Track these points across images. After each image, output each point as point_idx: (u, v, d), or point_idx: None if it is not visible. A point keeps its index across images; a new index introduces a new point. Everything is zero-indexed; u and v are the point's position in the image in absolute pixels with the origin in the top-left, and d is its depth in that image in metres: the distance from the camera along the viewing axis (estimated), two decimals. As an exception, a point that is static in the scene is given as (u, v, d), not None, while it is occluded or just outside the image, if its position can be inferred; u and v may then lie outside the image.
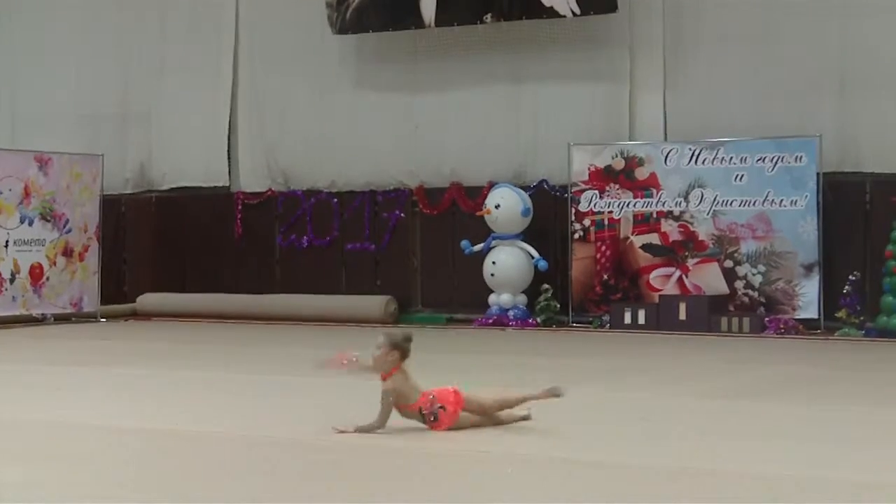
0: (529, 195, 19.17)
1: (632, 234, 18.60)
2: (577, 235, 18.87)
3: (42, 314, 19.51)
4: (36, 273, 19.48)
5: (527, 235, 19.10)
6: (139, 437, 8.81)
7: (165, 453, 8.25)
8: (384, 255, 20.56)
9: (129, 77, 22.59)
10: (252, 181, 21.75)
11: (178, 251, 22.08)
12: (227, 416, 9.81)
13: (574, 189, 18.91)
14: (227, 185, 21.85)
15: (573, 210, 18.89)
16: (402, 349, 8.68)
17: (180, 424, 9.30)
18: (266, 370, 13.22)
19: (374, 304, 19.68)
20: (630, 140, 19.01)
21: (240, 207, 21.58)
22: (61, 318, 19.71)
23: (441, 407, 8.64)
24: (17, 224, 19.28)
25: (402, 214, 20.45)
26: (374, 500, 6.79)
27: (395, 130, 20.57)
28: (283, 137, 21.48)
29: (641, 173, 18.58)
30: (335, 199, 20.89)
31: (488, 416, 8.87)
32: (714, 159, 18.16)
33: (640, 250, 18.53)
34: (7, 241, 19.14)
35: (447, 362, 13.96)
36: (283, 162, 21.46)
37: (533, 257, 18.92)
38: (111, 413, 9.95)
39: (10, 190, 19.21)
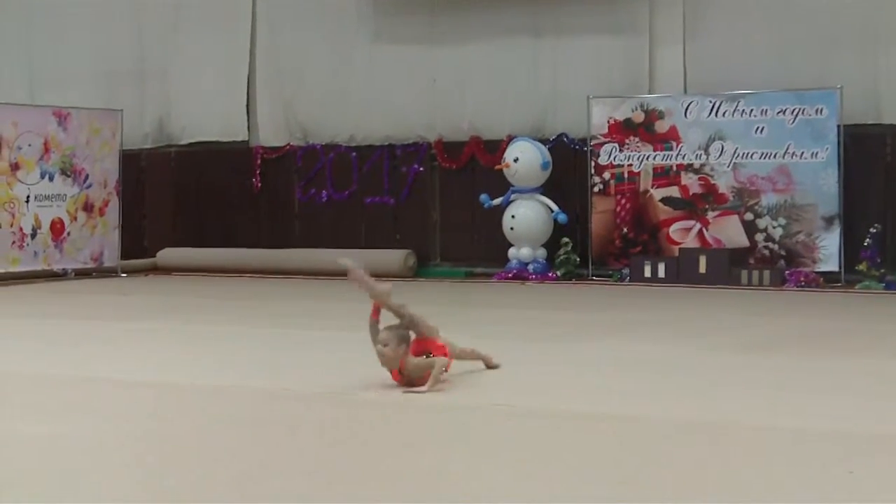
0: (549, 148, 19.14)
1: (651, 188, 18.57)
2: (596, 189, 18.84)
3: (63, 269, 19.58)
4: (57, 228, 19.54)
5: (546, 189, 19.08)
6: (159, 390, 8.84)
7: (184, 407, 8.28)
8: (403, 209, 20.56)
9: (148, 32, 22.56)
10: (271, 135, 21.75)
11: (198, 206, 22.11)
12: (247, 369, 9.84)
13: (593, 142, 18.87)
14: (246, 139, 21.86)
15: (593, 163, 18.85)
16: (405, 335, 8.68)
17: (200, 378, 9.34)
18: (286, 324, 13.25)
19: (394, 257, 19.70)
20: (650, 93, 18.94)
21: (259, 162, 21.59)
22: (82, 273, 19.79)
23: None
24: (37, 179, 19.32)
25: (421, 168, 20.44)
26: (399, 455, 6.81)
27: (413, 84, 20.53)
28: (301, 91, 21.46)
29: (661, 126, 18.52)
30: (354, 153, 20.89)
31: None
32: (734, 112, 18.10)
33: (660, 203, 18.50)
34: (28, 197, 19.20)
35: (465, 316, 13.99)
36: (301, 116, 21.45)
37: (552, 211, 18.91)
38: (131, 367, 9.98)
39: (30, 145, 19.24)
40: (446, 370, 8.78)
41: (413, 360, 8.64)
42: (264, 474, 6.23)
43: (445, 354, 8.79)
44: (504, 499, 5.77)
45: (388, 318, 8.82)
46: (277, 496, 5.81)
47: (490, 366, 9.51)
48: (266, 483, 6.06)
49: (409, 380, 8.64)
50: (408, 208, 20.51)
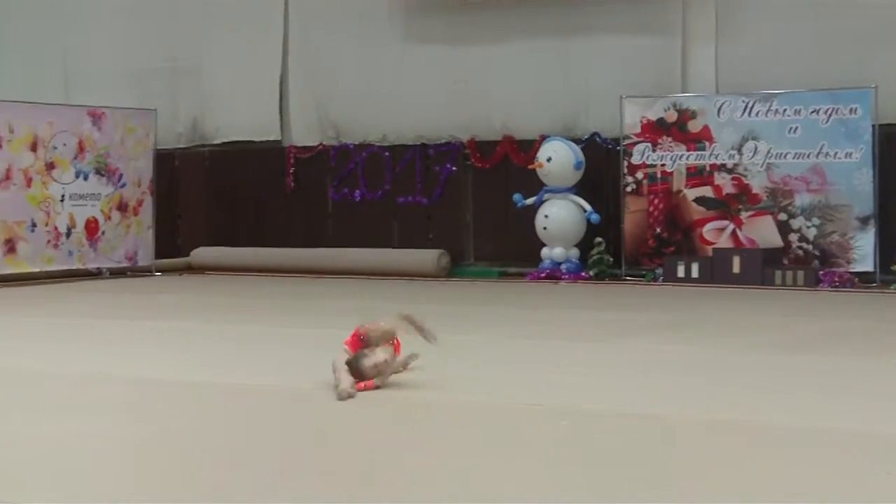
0: (581, 148, 19.11)
1: (685, 187, 18.52)
2: (629, 188, 18.81)
3: (98, 268, 19.69)
4: (91, 227, 19.64)
5: (579, 188, 19.06)
6: (189, 389, 8.87)
7: (213, 406, 8.31)
8: (436, 209, 20.57)
9: (182, 31, 22.65)
10: (304, 135, 21.80)
11: (231, 205, 22.18)
12: (278, 369, 9.86)
13: (626, 142, 18.84)
14: (279, 139, 21.91)
15: (626, 163, 18.82)
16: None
17: (231, 377, 9.36)
18: (318, 324, 13.28)
19: (427, 257, 19.72)
20: (682, 92, 18.90)
21: (292, 161, 21.63)
22: (117, 272, 19.89)
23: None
24: (72, 179, 19.43)
25: (454, 168, 20.44)
26: (412, 452, 6.82)
27: (446, 83, 20.53)
28: (334, 91, 21.50)
29: (694, 126, 18.48)
30: (387, 153, 20.91)
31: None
32: (768, 111, 18.04)
33: (694, 203, 18.45)
34: (63, 196, 19.30)
35: (497, 316, 14.01)
36: (334, 115, 21.49)
37: (585, 210, 18.88)
38: (162, 366, 10.02)
39: (65, 145, 19.35)
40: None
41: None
42: (300, 474, 6.26)
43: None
44: (535, 499, 5.78)
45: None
46: (313, 496, 5.83)
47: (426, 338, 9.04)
48: (297, 482, 6.08)
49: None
50: (441, 208, 20.52)
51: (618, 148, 18.99)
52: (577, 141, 19.21)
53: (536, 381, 9.19)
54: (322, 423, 7.67)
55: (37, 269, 18.93)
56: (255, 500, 5.79)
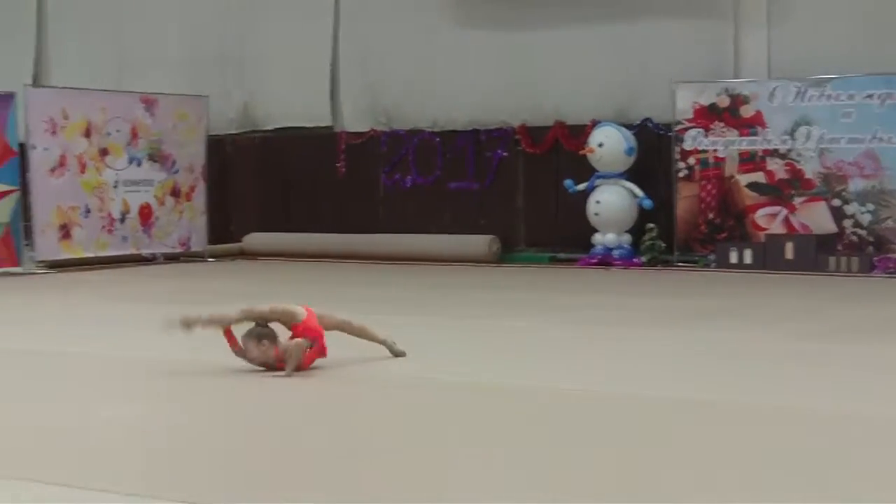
0: (633, 133, 19.06)
1: (737, 173, 18.45)
2: (681, 174, 18.76)
3: (151, 253, 19.82)
4: (145, 213, 19.78)
5: (631, 174, 19.01)
6: (234, 376, 8.94)
7: (263, 392, 8.37)
8: (487, 194, 20.57)
9: (234, 17, 22.73)
10: (355, 121, 21.84)
11: (283, 191, 22.27)
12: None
13: (678, 127, 18.77)
14: (331, 124, 21.97)
15: (678, 149, 18.77)
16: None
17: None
18: (369, 310, 13.31)
19: (478, 243, 19.73)
20: (734, 77, 18.82)
21: (343, 147, 21.69)
22: (170, 258, 20.02)
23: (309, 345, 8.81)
24: (125, 165, 19.57)
25: (505, 153, 20.44)
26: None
27: (497, 68, 20.51)
28: (385, 76, 21.52)
29: (746, 111, 18.39)
30: (438, 139, 20.92)
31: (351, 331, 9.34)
32: (820, 96, 17.93)
33: (746, 189, 18.37)
34: (116, 182, 19.45)
35: (549, 301, 14.03)
36: (385, 101, 21.52)
37: (637, 196, 18.84)
38: (216, 353, 10.08)
39: (119, 131, 19.49)
40: (308, 352, 8.81)
41: (285, 343, 8.81)
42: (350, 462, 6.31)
43: (319, 335, 8.87)
44: (583, 487, 5.81)
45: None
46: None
47: (393, 352, 9.41)
48: (347, 470, 6.13)
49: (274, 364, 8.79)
50: (492, 193, 20.52)
51: (670, 133, 18.93)
52: (628, 126, 19.15)
53: (587, 366, 9.21)
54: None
55: (91, 255, 19.08)
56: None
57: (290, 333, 8.86)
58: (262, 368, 8.82)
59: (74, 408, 7.83)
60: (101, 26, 23.81)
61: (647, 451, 6.51)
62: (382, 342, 9.46)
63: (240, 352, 8.91)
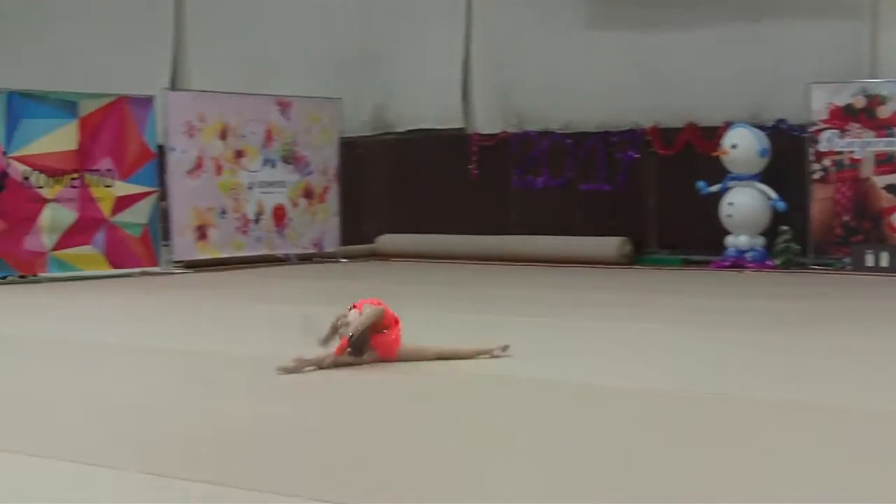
0: (767, 135, 18.86)
1: (874, 175, 18.17)
2: (816, 176, 18.52)
3: (285, 254, 20.07)
4: (279, 214, 20.04)
5: (764, 176, 18.81)
6: (365, 375, 9.04)
7: (391, 390, 8.46)
8: (619, 196, 20.49)
9: (366, 20, 22.91)
10: (486, 123, 21.89)
11: (415, 192, 22.39)
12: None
13: (813, 128, 18.54)
14: (463, 126, 22.05)
15: (812, 150, 18.53)
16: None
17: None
18: (499, 310, 13.37)
19: (610, 245, 19.67)
20: (871, 78, 18.53)
21: (475, 149, 21.76)
22: (303, 259, 20.25)
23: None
24: (260, 167, 19.85)
25: (637, 155, 20.34)
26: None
27: (629, 70, 20.42)
28: (516, 78, 21.54)
29: (884, 112, 18.10)
30: (569, 140, 20.90)
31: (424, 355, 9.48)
32: (961, 96, 17.61)
33: (883, 191, 18.09)
34: (251, 184, 19.73)
35: (682, 304, 13.95)
36: (517, 103, 21.54)
37: (771, 198, 18.64)
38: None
39: (253, 133, 19.78)
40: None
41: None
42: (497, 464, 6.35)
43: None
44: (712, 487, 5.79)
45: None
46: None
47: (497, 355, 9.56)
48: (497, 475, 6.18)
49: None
50: (624, 195, 20.43)
51: (804, 135, 18.70)
52: (762, 128, 18.96)
53: (715, 369, 9.17)
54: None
55: (226, 255, 19.39)
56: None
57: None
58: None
59: (220, 406, 7.98)
60: (237, 30, 24.16)
61: (769, 453, 6.48)
62: (478, 353, 9.59)
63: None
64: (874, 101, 18.17)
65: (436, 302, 14.47)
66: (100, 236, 17.89)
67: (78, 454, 6.55)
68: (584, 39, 20.85)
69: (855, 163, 18.27)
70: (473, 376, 8.93)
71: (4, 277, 17.14)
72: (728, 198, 18.84)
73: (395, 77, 22.64)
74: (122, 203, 18.09)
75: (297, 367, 9.00)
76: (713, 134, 19.35)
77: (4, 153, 16.95)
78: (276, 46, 23.63)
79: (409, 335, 9.42)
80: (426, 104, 22.26)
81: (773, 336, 11.12)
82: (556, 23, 21.10)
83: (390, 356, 9.32)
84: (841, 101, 18.39)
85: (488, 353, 9.54)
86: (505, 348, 9.58)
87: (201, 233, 19.08)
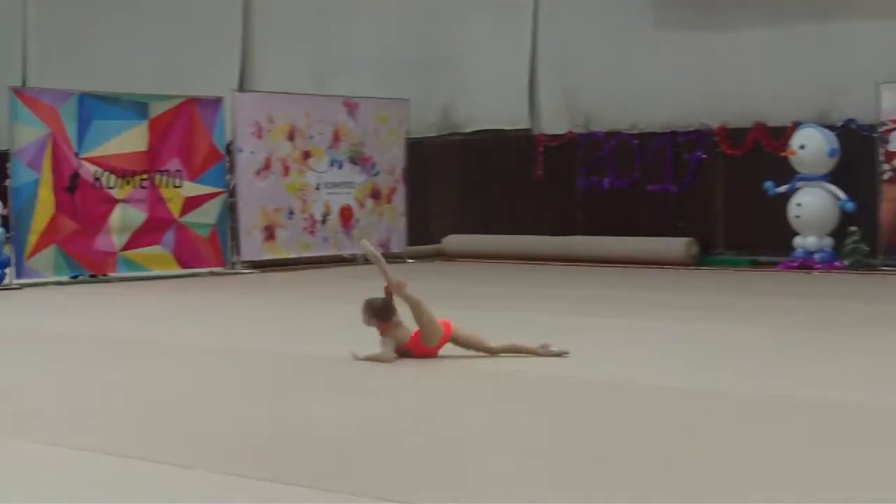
0: (836, 135, 18.73)
1: (944, 175, 18.01)
2: (886, 176, 18.37)
3: (352, 254, 20.14)
4: (346, 215, 20.13)
5: (833, 176, 18.68)
6: (431, 372, 9.07)
7: (463, 388, 8.49)
8: (686, 197, 20.42)
9: (433, 21, 22.99)
10: (553, 123, 21.89)
11: (482, 193, 22.41)
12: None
13: (883, 128, 18.39)
14: (529, 127, 22.05)
15: (882, 150, 18.38)
16: (383, 314, 9.73)
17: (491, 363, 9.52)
18: (566, 311, 13.37)
19: (676, 246, 19.61)
20: (942, 77, 18.37)
21: (541, 149, 21.75)
22: (369, 259, 20.21)
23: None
24: (327, 167, 19.94)
25: (704, 155, 20.26)
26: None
27: (695, 70, 20.35)
28: (582, 78, 21.52)
29: (955, 111, 17.94)
30: (636, 141, 20.85)
31: (487, 351, 9.71)
32: None
33: (954, 191, 17.93)
34: (318, 184, 19.83)
35: (749, 305, 13.89)
36: (583, 103, 21.52)
37: (839, 199, 18.51)
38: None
39: (321, 134, 19.88)
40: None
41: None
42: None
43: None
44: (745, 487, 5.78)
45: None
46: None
47: (552, 355, 9.64)
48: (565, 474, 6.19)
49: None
50: (690, 196, 20.36)
51: (874, 135, 18.55)
52: (831, 128, 18.83)
53: (786, 370, 9.14)
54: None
55: (294, 255, 19.50)
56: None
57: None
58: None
59: (289, 406, 8.05)
60: (305, 31, 24.31)
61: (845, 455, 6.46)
62: (534, 352, 9.69)
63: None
64: (945, 100, 18.00)
65: (501, 302, 14.49)
66: (169, 236, 18.06)
67: (149, 453, 6.63)
68: (651, 39, 20.80)
69: (925, 163, 18.11)
70: (538, 378, 8.94)
71: (76, 277, 17.36)
72: (796, 198, 18.72)
73: (462, 78, 22.69)
74: (191, 203, 18.25)
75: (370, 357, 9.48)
76: (781, 134, 19.24)
77: (76, 154, 17.15)
78: (344, 47, 23.75)
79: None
80: (493, 105, 22.29)
81: (842, 337, 11.05)
82: (623, 23, 21.06)
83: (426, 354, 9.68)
84: (911, 100, 18.23)
85: (547, 352, 9.60)
86: (564, 353, 9.64)
87: (269, 233, 19.20)
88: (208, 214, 18.42)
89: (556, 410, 7.85)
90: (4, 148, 17.55)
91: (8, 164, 16.87)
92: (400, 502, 5.63)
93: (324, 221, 19.89)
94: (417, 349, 9.66)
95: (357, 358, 9.56)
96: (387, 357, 9.51)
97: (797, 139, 18.69)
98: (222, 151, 18.66)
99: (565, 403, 8.09)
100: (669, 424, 7.37)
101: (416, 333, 9.66)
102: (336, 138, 20.06)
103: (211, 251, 18.48)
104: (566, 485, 5.95)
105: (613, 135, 21.07)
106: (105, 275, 17.65)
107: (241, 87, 23.67)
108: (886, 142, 18.33)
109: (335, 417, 7.60)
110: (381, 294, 9.79)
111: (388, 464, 6.43)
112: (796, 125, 18.99)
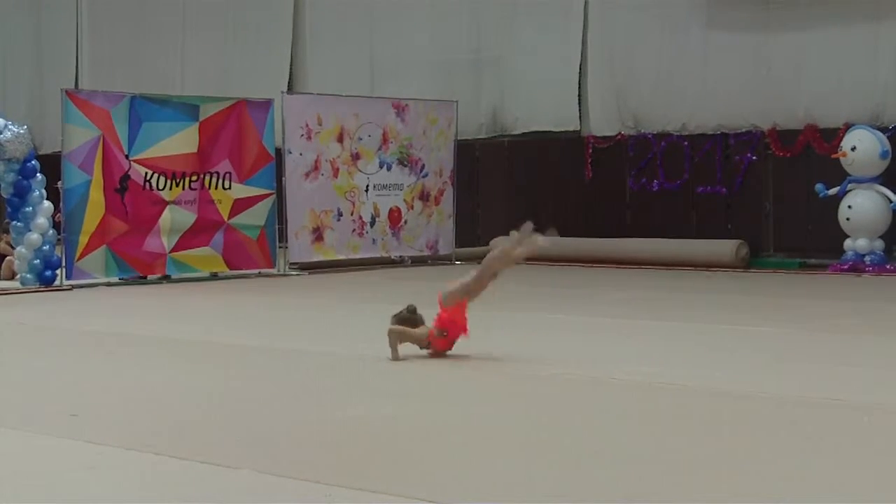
0: (888, 137, 18.59)
1: None
2: (938, 178, 18.23)
3: (400, 256, 20.17)
4: (394, 216, 20.15)
5: (885, 178, 18.53)
6: (468, 371, 9.06)
7: (507, 389, 8.48)
8: (736, 199, 20.33)
9: (483, 22, 23.00)
10: (602, 125, 21.83)
11: (530, 195, 22.38)
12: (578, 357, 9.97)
13: (935, 130, 18.26)
14: (578, 129, 22.00)
15: (935, 152, 18.25)
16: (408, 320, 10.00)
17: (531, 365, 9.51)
18: (614, 313, 13.34)
19: (726, 248, 19.51)
20: None
21: (590, 151, 21.71)
22: (418, 261, 20.32)
23: (443, 332, 9.95)
24: (376, 169, 19.97)
25: (755, 157, 20.16)
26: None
27: (746, 72, 20.26)
28: (632, 80, 21.46)
29: None
30: (686, 142, 20.77)
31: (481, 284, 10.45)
32: None
33: None
34: (367, 186, 19.86)
35: (799, 308, 13.81)
36: (632, 105, 21.46)
37: (891, 201, 18.37)
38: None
39: (370, 136, 19.91)
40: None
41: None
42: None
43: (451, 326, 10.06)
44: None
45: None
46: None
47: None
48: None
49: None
50: (740, 198, 20.27)
51: (926, 137, 18.43)
52: (883, 129, 18.69)
53: (839, 375, 9.08)
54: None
55: (342, 257, 19.54)
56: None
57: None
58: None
59: (333, 407, 8.07)
60: (354, 33, 24.39)
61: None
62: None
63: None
64: None
65: (548, 304, 14.48)
66: (218, 238, 18.12)
67: (196, 453, 6.66)
68: (700, 40, 20.72)
69: (978, 165, 17.95)
70: (580, 380, 8.93)
71: (126, 278, 17.45)
72: (847, 200, 18.60)
73: (511, 79, 22.69)
74: (240, 205, 18.31)
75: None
76: (833, 136, 19.12)
77: (126, 156, 17.24)
78: (393, 49, 23.81)
79: (518, 335, 9.47)
80: (542, 106, 22.26)
81: (893, 341, 10.98)
82: (672, 24, 20.99)
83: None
84: (964, 102, 18.08)
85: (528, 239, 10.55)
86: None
87: (318, 235, 19.24)
88: (257, 216, 18.47)
89: (595, 412, 7.83)
90: (57, 150, 17.68)
91: (60, 167, 16.97)
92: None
93: (372, 223, 19.92)
94: (437, 343, 9.96)
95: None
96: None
97: (848, 141, 18.56)
98: (272, 153, 18.71)
99: (605, 404, 8.06)
100: (707, 426, 7.33)
101: (430, 332, 9.96)
102: (385, 140, 20.08)
103: (259, 253, 18.53)
104: (602, 485, 5.94)
105: (663, 136, 21.00)
106: (155, 276, 17.74)
107: (291, 89, 23.76)
108: (939, 144, 18.18)
109: (381, 417, 7.61)
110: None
111: (433, 465, 6.43)
112: (848, 127, 18.87)
